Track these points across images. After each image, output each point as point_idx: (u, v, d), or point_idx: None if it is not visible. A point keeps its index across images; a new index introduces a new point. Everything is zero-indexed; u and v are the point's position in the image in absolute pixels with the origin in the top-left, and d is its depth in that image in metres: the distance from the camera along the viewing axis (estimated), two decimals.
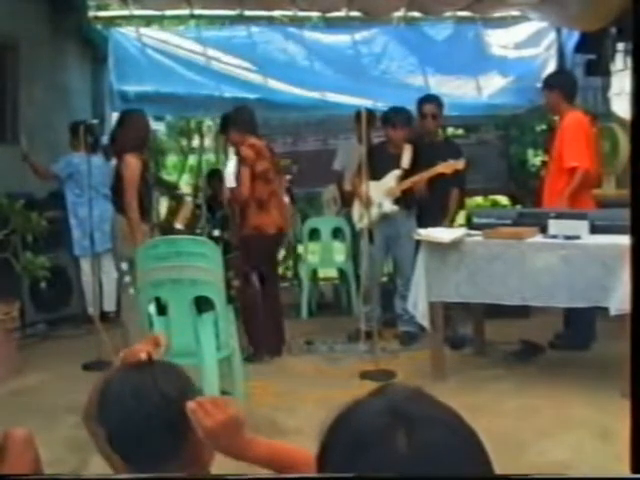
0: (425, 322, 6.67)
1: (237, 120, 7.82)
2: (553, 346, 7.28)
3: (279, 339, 7.86)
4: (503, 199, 12.70)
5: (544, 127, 11.50)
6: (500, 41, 11.31)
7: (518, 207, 9.84)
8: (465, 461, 1.26)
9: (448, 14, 11.14)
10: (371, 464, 1.25)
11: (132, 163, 7.37)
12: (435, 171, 7.72)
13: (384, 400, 1.34)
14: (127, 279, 7.26)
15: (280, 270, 10.88)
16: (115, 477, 1.98)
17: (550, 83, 7.49)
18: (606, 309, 5.85)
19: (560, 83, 7.41)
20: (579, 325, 7.17)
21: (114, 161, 8.05)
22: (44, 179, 9.04)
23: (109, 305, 9.01)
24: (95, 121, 9.08)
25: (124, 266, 7.20)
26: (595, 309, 6.45)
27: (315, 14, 11.31)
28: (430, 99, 8.40)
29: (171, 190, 10.23)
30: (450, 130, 12.51)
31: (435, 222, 7.62)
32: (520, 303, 6.46)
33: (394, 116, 8.09)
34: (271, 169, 7.76)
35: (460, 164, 7.65)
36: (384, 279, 9.10)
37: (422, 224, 7.65)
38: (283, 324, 7.98)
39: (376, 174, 7.73)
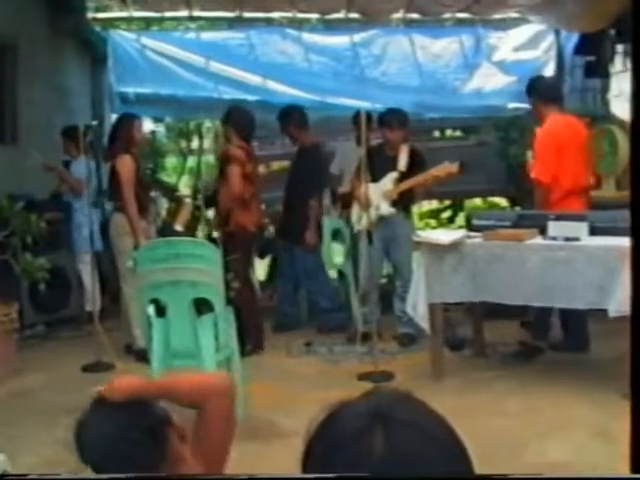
0: (424, 324, 6.68)
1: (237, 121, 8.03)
2: (552, 347, 7.27)
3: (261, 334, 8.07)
4: (502, 201, 12.70)
5: None
6: (499, 43, 11.32)
7: (517, 209, 9.83)
8: (440, 466, 1.26)
9: (447, 16, 11.16)
10: (347, 465, 1.26)
11: (127, 162, 7.78)
12: (430, 174, 7.75)
13: (369, 402, 1.35)
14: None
15: None
16: (114, 477, 1.99)
17: (529, 88, 7.52)
18: (604, 311, 5.85)
19: (538, 88, 7.44)
20: (576, 328, 7.17)
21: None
22: (79, 189, 8.89)
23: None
24: (94, 122, 9.09)
25: (130, 264, 7.26)
26: (587, 312, 6.48)
27: (314, 16, 11.30)
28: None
29: (170, 192, 10.24)
30: (449, 132, 12.52)
31: (296, 236, 8.42)
32: (519, 303, 6.46)
33: (390, 117, 8.11)
34: (255, 171, 8.09)
35: (454, 167, 7.65)
36: (383, 281, 9.10)
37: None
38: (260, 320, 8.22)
39: (373, 176, 7.73)
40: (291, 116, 8.68)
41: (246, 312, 7.45)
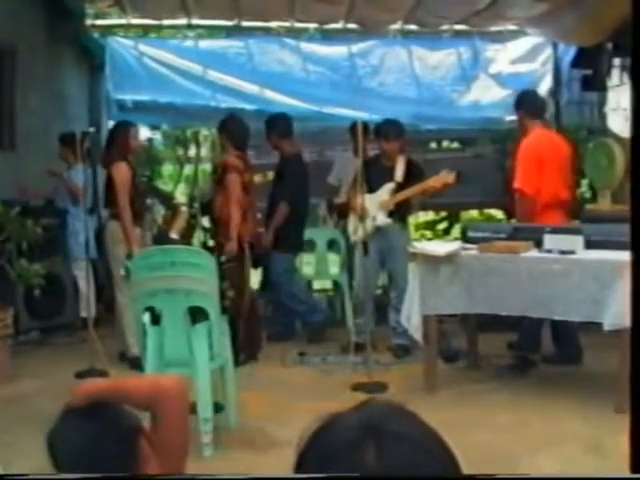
0: (418, 335, 6.67)
1: (232, 131, 8.04)
2: (545, 360, 7.28)
3: (257, 344, 8.07)
4: (498, 213, 12.71)
5: None
6: (496, 56, 11.35)
7: (513, 221, 9.84)
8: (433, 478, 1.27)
9: (445, 28, 11.17)
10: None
11: (122, 169, 7.75)
12: (427, 184, 7.76)
13: (361, 415, 1.35)
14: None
15: None
16: (112, 477, 2.00)
17: (517, 102, 7.55)
18: (596, 324, 5.86)
19: (524, 102, 7.47)
20: (568, 341, 7.18)
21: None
22: (78, 196, 8.80)
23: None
24: (91, 129, 9.06)
25: (122, 272, 7.26)
26: (578, 325, 6.49)
27: (312, 25, 11.31)
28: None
29: (166, 199, 10.23)
30: (445, 143, 12.54)
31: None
32: (514, 315, 6.45)
33: (387, 128, 8.13)
34: (251, 181, 8.16)
35: (451, 177, 7.67)
36: (378, 291, 9.10)
37: None
38: (261, 329, 8.25)
39: (370, 187, 7.73)
40: (274, 125, 8.66)
41: (242, 322, 7.45)
